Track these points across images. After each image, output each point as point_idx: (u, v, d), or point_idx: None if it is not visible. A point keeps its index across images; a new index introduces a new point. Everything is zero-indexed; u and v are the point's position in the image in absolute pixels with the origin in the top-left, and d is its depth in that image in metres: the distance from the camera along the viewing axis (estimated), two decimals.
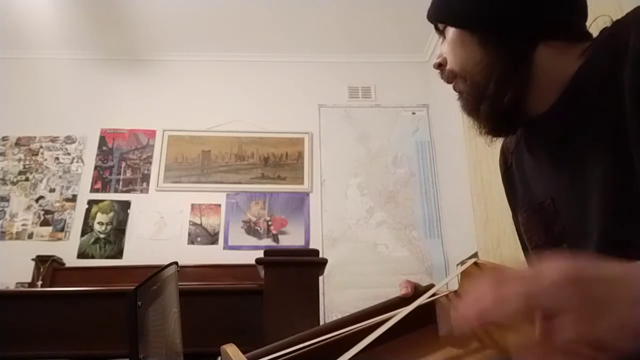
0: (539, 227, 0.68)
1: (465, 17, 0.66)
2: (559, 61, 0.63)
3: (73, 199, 3.32)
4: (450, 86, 0.73)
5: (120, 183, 3.39)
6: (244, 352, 0.53)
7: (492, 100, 0.64)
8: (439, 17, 0.71)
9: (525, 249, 0.76)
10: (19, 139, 3.46)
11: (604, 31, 0.61)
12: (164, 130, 3.53)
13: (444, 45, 0.71)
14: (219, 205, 3.34)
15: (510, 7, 0.63)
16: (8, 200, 3.28)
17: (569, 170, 0.62)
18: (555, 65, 0.63)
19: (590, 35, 0.65)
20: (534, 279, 0.33)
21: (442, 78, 0.73)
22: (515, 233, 0.80)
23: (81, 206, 3.30)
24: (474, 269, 0.59)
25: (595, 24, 0.66)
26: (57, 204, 3.30)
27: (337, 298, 3.09)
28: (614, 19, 0.60)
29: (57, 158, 3.43)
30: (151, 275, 1.08)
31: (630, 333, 0.30)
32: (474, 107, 0.67)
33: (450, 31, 0.68)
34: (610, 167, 0.55)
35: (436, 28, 0.72)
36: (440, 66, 0.71)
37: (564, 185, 0.63)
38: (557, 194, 0.65)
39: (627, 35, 0.53)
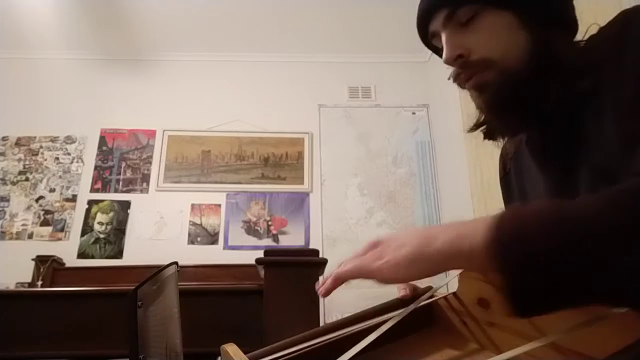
0: None
1: None
2: None
3: (73, 199, 3.32)
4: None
5: (120, 183, 3.39)
6: (244, 353, 0.54)
7: (534, 88, 0.59)
8: None
9: None
10: (19, 139, 3.47)
11: (590, 40, 0.60)
12: (164, 130, 3.53)
13: (462, 35, 0.62)
14: (219, 205, 3.34)
15: None
16: (8, 200, 3.28)
17: (558, 175, 0.62)
18: None
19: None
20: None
21: (455, 74, 0.64)
22: None
23: (81, 206, 3.30)
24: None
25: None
26: (57, 204, 3.30)
27: (337, 298, 3.08)
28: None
29: (57, 158, 3.43)
30: (151, 275, 1.08)
31: (391, 268, 0.50)
32: (507, 98, 0.60)
33: (487, 15, 0.61)
34: (594, 177, 0.55)
35: (448, 17, 0.62)
36: (459, 58, 0.62)
37: (553, 191, 0.63)
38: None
39: (599, 49, 0.54)
